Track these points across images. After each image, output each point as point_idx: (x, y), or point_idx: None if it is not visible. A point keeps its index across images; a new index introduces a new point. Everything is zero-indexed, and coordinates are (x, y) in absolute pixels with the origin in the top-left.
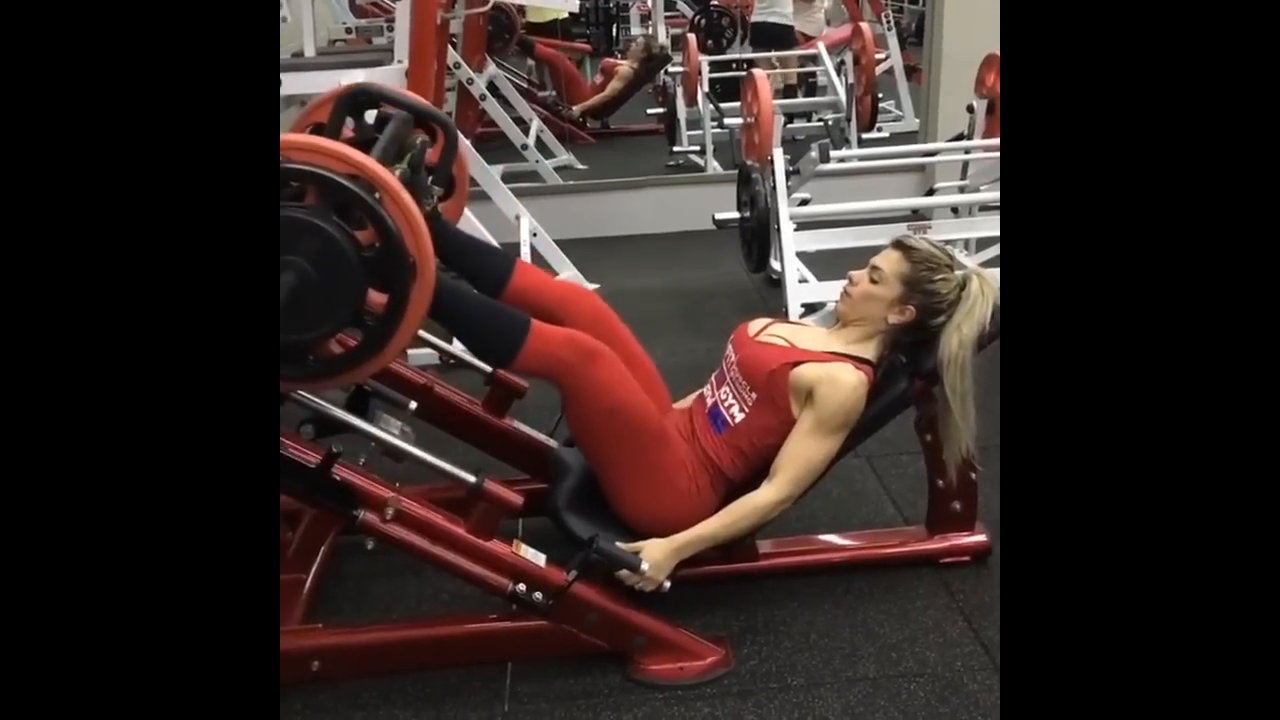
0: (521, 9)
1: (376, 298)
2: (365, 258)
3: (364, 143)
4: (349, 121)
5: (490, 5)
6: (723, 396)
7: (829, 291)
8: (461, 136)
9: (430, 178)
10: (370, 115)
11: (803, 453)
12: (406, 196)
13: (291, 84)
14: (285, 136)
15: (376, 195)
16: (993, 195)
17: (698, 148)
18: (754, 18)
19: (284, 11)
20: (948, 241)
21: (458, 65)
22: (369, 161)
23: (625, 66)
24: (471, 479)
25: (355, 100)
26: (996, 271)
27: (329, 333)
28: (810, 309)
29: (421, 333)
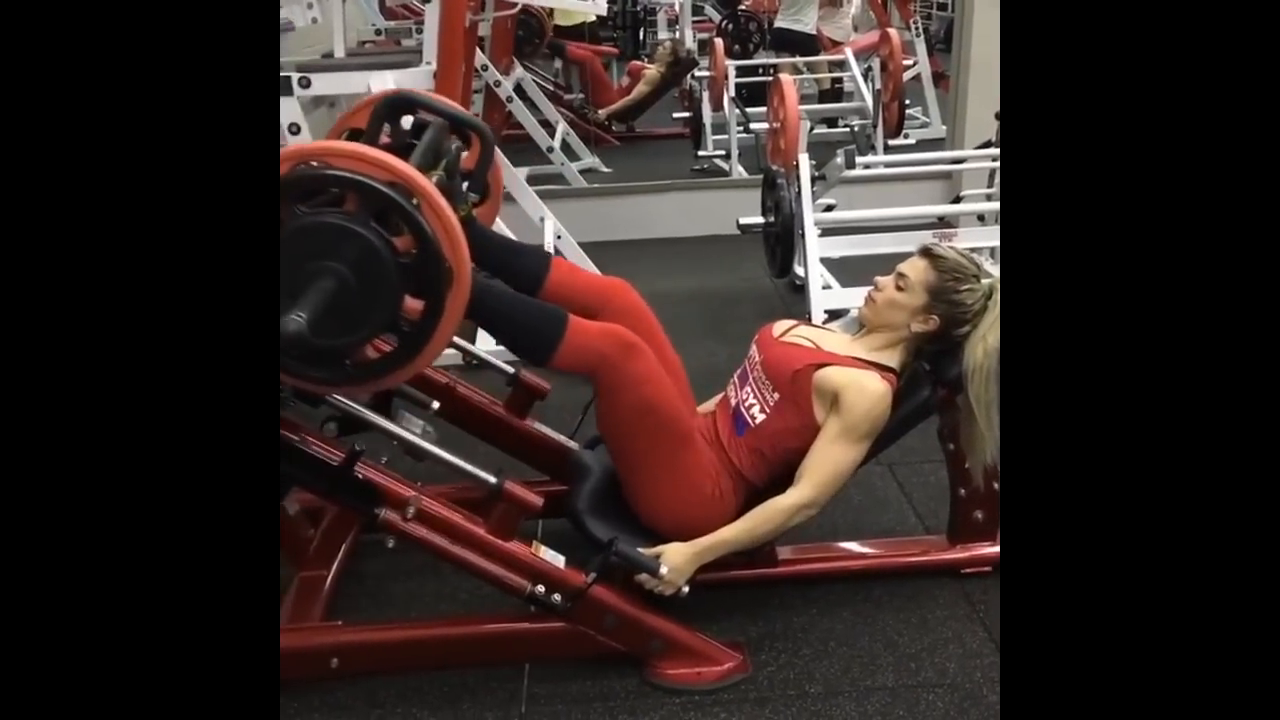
0: (550, 12)
1: (413, 304)
2: (403, 264)
3: (400, 148)
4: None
5: (518, 8)
6: (744, 397)
7: (852, 298)
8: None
9: (466, 184)
10: (406, 121)
11: (829, 458)
12: (444, 204)
13: (321, 84)
14: (325, 143)
15: (415, 202)
16: None
17: (723, 152)
18: (776, 23)
19: (314, 13)
20: (974, 249)
21: (485, 67)
22: (408, 169)
23: (652, 70)
24: (492, 479)
25: (391, 106)
26: None
27: (366, 338)
28: (833, 315)
29: None
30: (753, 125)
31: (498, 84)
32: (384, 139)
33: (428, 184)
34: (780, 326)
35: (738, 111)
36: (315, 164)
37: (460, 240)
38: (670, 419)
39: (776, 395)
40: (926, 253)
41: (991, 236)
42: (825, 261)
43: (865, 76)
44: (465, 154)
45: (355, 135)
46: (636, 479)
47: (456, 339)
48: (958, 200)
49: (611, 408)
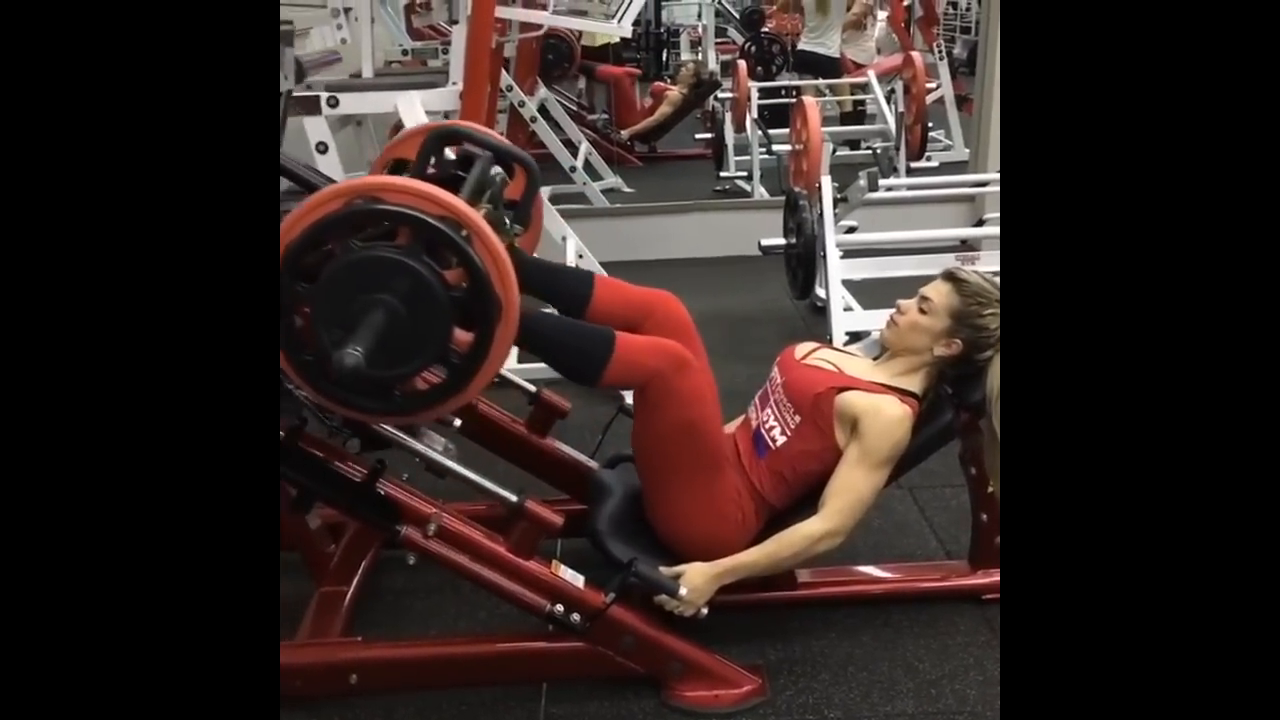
0: (579, 36)
1: (462, 336)
2: (454, 297)
3: (446, 179)
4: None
5: (544, 30)
6: (765, 419)
7: (873, 320)
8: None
9: (510, 213)
10: (449, 151)
11: (851, 484)
12: (495, 238)
13: (349, 104)
14: (379, 179)
15: (465, 234)
16: None
17: (745, 173)
18: (800, 45)
19: (343, 34)
20: (996, 273)
21: (510, 88)
22: (460, 204)
23: (674, 91)
24: (513, 498)
25: (439, 139)
26: None
27: (416, 370)
28: (854, 337)
29: None
30: (775, 147)
31: (522, 104)
32: (429, 169)
33: (479, 218)
34: (802, 349)
35: (760, 133)
36: (369, 199)
37: (509, 273)
38: (711, 441)
39: (798, 418)
40: (950, 276)
41: None
42: (847, 283)
43: (888, 99)
44: (508, 184)
45: (400, 165)
46: (662, 496)
47: None
48: (980, 223)
49: (653, 422)
